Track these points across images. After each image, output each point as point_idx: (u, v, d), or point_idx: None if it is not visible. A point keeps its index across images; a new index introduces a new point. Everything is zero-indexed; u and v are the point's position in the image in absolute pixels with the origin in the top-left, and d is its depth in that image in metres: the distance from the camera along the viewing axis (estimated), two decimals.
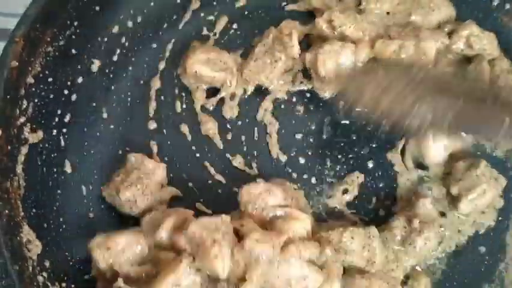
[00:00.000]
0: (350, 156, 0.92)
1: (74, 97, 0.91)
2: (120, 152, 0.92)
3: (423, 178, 0.90)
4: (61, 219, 0.85)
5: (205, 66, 0.91)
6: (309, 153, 0.93)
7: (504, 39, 0.95)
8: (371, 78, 0.83)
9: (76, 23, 0.88)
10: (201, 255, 0.72)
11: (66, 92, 0.90)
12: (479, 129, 0.78)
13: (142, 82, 0.97)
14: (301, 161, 0.93)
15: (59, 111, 0.89)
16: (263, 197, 0.81)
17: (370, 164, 0.92)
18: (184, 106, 0.96)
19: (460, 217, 0.88)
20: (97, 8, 0.91)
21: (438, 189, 0.90)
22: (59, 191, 0.87)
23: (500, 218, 0.88)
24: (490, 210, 0.89)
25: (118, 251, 0.76)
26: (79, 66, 0.91)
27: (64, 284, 0.80)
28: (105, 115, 0.94)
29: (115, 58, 0.96)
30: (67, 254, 0.83)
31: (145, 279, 0.75)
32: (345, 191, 0.90)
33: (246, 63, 0.93)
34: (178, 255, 0.74)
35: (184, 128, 0.94)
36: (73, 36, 0.89)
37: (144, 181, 0.85)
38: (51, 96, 0.87)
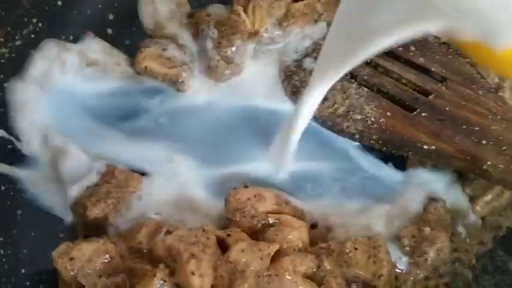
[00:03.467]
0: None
1: None
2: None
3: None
4: (22, 244, 0.77)
5: (156, 62, 0.85)
6: None
7: None
8: None
9: (34, 20, 0.82)
10: (178, 270, 0.65)
11: None
12: None
13: None
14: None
15: None
16: (252, 203, 0.73)
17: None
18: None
19: (475, 222, 0.80)
20: (59, 3, 0.85)
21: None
22: (19, 211, 0.78)
23: None
24: (509, 213, 0.81)
25: (84, 261, 0.69)
26: None
27: None
28: None
29: None
30: (28, 283, 0.75)
31: None
32: None
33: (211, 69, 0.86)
34: (154, 266, 0.67)
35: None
36: (32, 36, 0.82)
37: (115, 195, 0.76)
38: None
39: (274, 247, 0.68)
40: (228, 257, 0.66)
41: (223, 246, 0.69)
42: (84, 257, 0.70)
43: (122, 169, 0.80)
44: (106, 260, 0.70)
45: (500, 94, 0.82)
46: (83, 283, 0.68)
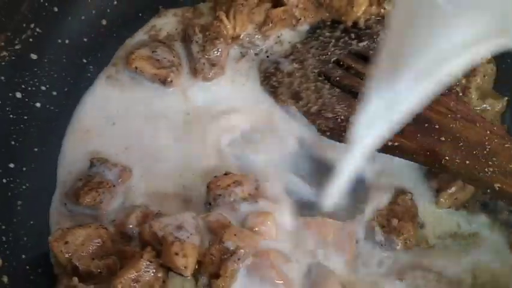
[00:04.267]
0: None
1: (37, 105, 0.87)
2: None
3: None
4: (22, 232, 0.81)
5: (146, 62, 0.90)
6: None
7: None
8: None
9: (32, 26, 0.85)
10: (163, 252, 0.70)
11: (27, 99, 0.86)
12: None
13: None
14: None
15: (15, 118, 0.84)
16: (232, 189, 0.78)
17: None
18: None
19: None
20: (55, 9, 0.88)
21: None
22: (19, 202, 0.82)
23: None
24: (474, 205, 0.85)
25: (77, 245, 0.74)
26: (39, 72, 0.87)
27: None
28: None
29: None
30: (27, 267, 0.79)
31: (106, 273, 0.72)
32: None
33: (197, 71, 0.91)
34: (142, 249, 0.72)
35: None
36: (31, 40, 0.85)
37: (106, 185, 0.81)
38: (9, 102, 0.83)
39: (261, 237, 0.74)
40: (222, 238, 0.71)
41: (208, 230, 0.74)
42: (78, 241, 0.74)
43: (113, 162, 0.84)
44: (98, 244, 0.75)
45: (461, 95, 0.88)
46: (77, 265, 0.74)
